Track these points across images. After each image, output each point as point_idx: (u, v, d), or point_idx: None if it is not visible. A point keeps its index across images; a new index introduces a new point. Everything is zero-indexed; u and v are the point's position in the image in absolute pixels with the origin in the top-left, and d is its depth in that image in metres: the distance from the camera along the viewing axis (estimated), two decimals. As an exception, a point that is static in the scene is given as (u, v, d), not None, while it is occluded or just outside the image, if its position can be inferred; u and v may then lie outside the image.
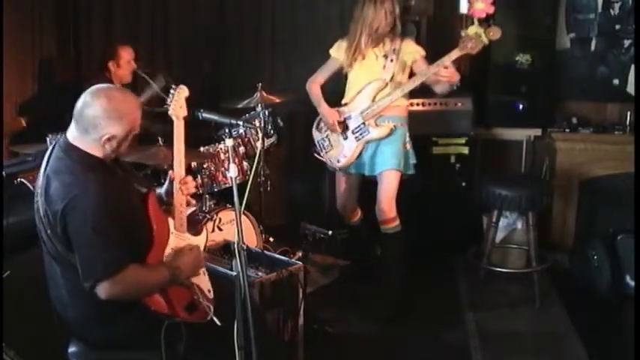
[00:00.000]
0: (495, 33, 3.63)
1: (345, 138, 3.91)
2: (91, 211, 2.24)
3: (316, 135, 4.06)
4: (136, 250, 2.36)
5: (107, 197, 2.27)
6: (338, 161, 3.96)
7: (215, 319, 2.43)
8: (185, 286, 2.47)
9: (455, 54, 3.65)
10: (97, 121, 2.31)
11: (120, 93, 2.42)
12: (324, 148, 4.02)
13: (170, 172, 2.59)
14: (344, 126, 3.90)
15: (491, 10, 3.72)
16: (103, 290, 2.25)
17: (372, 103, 3.82)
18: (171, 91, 2.59)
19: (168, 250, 2.47)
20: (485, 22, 3.76)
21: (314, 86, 3.99)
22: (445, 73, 3.65)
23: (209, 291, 2.55)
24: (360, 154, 3.90)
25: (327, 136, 4.00)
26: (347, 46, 3.86)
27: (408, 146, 3.90)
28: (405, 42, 3.86)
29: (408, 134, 3.90)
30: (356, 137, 3.87)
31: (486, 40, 3.64)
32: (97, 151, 2.37)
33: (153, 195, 2.49)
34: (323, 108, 3.94)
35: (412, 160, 3.92)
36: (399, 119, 3.86)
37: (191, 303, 2.46)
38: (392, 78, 3.81)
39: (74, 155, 2.35)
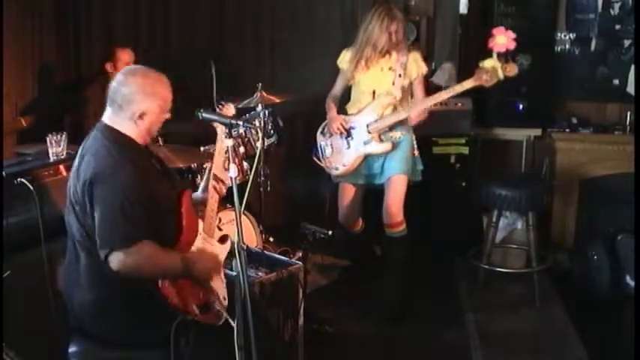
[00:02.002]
0: (512, 70, 3.58)
1: (348, 147, 3.90)
2: (121, 188, 2.30)
3: (320, 139, 4.05)
4: (160, 238, 2.39)
5: (138, 181, 2.34)
6: (336, 169, 3.95)
7: (230, 319, 2.44)
8: (202, 286, 2.49)
9: (469, 84, 3.63)
10: (131, 97, 2.40)
11: (155, 72, 2.50)
12: (326, 154, 4.00)
13: (208, 163, 2.68)
14: (348, 134, 3.88)
15: (512, 46, 3.63)
16: (116, 260, 2.29)
17: (378, 118, 3.81)
18: (219, 106, 2.72)
19: (193, 249, 2.50)
20: (504, 56, 3.66)
21: (329, 101, 3.98)
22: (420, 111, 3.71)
23: (224, 298, 2.57)
24: (366, 164, 3.89)
25: (330, 143, 3.98)
26: (351, 57, 3.85)
27: (416, 153, 3.90)
28: (412, 55, 3.84)
29: (415, 141, 3.91)
30: (356, 149, 3.87)
31: (502, 76, 3.58)
32: (132, 132, 2.44)
33: (188, 194, 2.55)
34: (331, 114, 3.94)
35: (419, 167, 3.92)
36: (405, 128, 3.85)
37: (205, 304, 2.47)
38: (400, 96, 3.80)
39: (111, 135, 2.43)
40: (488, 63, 3.59)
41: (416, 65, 3.84)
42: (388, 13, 3.72)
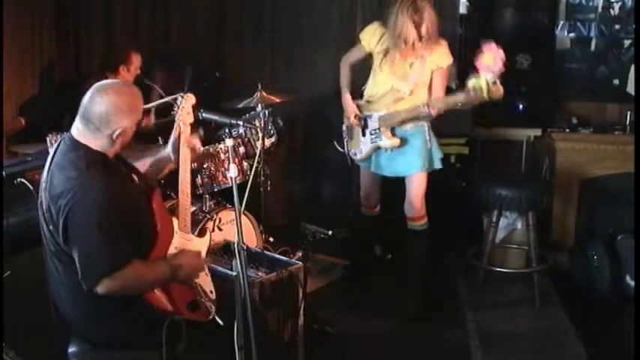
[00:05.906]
0: (497, 92, 3.34)
1: (363, 135, 3.91)
2: (95, 209, 2.25)
3: (345, 121, 4.03)
4: (139, 246, 2.38)
5: (111, 194, 2.29)
6: (355, 154, 3.99)
7: (218, 318, 2.44)
8: (188, 285, 2.49)
9: (460, 98, 3.49)
10: (109, 117, 2.35)
11: (126, 87, 2.51)
12: (347, 136, 4.02)
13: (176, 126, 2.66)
14: (364, 122, 3.87)
15: (496, 68, 3.30)
16: (102, 287, 2.26)
17: (389, 112, 3.76)
18: (179, 98, 2.67)
19: (172, 249, 2.50)
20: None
21: (344, 67, 3.91)
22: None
23: (211, 292, 2.57)
24: (376, 154, 3.88)
25: (350, 126, 3.98)
26: (378, 44, 3.71)
27: (429, 144, 3.82)
28: (437, 49, 3.67)
29: (429, 132, 3.81)
30: (371, 139, 3.86)
31: (487, 97, 3.35)
32: (103, 147, 2.40)
33: (157, 192, 2.53)
34: (344, 98, 3.91)
35: (438, 155, 3.86)
36: (418, 120, 3.77)
37: (193, 302, 2.48)
38: (411, 92, 3.71)
39: (79, 151, 2.37)
40: (470, 83, 3.37)
41: (438, 58, 3.69)
42: (413, 4, 3.51)
